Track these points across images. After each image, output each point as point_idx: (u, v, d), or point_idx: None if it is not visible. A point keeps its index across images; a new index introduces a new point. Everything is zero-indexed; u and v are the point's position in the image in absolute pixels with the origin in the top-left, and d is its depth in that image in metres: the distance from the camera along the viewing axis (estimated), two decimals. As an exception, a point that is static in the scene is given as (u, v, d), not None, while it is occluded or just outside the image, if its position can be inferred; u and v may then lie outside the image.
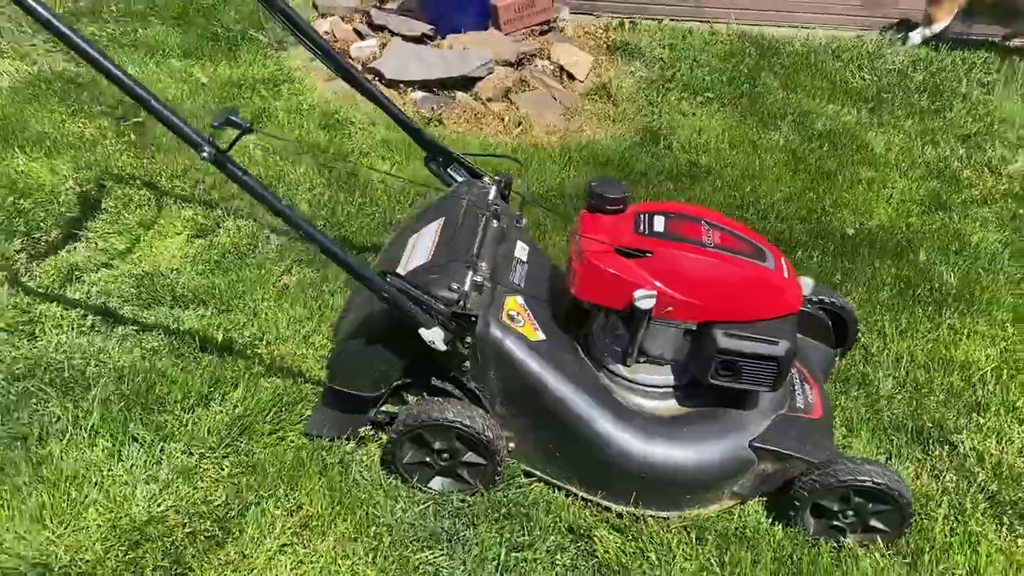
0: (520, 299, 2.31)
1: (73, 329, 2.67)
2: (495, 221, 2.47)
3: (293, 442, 2.37)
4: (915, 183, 3.87)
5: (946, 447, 2.53)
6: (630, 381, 2.34)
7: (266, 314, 2.79)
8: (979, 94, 4.72)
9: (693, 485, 2.25)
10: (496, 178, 2.64)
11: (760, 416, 2.29)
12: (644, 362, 2.34)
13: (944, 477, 2.44)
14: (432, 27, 4.59)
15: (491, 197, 2.56)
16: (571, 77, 4.49)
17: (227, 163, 1.99)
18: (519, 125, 4.06)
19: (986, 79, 4.86)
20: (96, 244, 3.07)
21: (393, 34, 4.53)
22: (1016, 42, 5.30)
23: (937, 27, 5.14)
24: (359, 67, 4.36)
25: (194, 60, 4.27)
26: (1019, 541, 2.28)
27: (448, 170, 2.68)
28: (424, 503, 2.24)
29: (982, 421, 2.62)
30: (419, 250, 2.39)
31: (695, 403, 2.34)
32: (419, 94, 4.17)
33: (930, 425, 2.58)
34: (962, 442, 2.53)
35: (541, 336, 2.26)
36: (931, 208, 3.69)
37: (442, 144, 2.67)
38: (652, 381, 2.34)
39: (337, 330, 2.45)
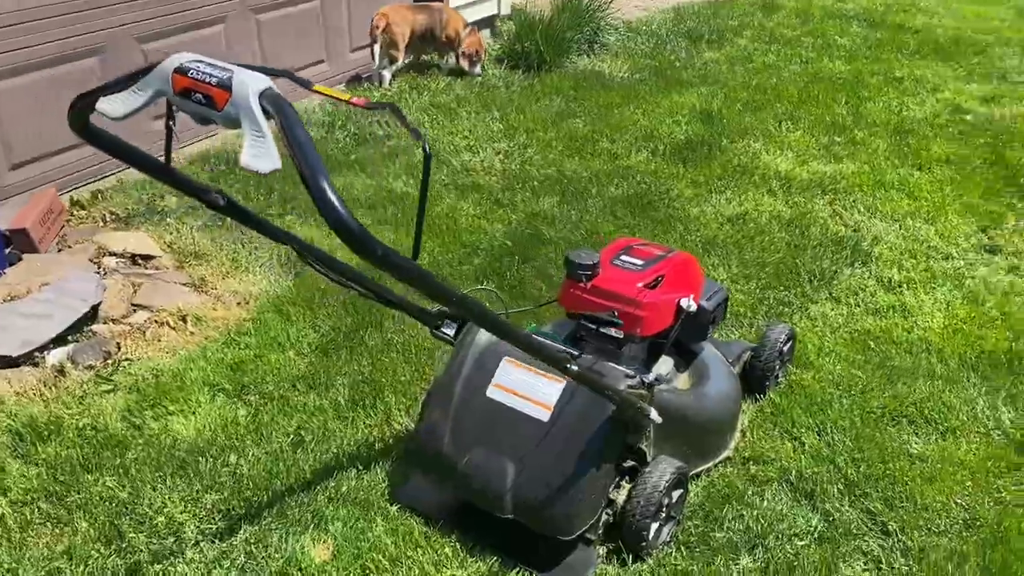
0: None
1: None
2: None
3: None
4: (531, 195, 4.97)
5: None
6: (661, 378, 3.06)
7: None
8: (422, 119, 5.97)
9: (738, 408, 3.15)
10: None
11: (710, 345, 3.28)
12: (654, 361, 3.08)
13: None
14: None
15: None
16: (146, 257, 4.11)
17: (575, 366, 2.07)
18: (185, 319, 3.70)
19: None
20: None
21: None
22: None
23: (399, 64, 6.61)
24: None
25: None
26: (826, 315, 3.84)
27: (443, 329, 2.76)
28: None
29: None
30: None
31: (686, 367, 3.19)
32: (57, 353, 3.39)
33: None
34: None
35: None
36: (560, 191, 4.86)
37: (432, 309, 2.74)
38: (667, 368, 3.09)
39: (517, 502, 2.47)
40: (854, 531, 2.74)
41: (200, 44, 5.39)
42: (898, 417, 3.25)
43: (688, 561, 2.61)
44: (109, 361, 3.40)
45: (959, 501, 2.86)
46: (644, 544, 2.60)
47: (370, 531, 2.65)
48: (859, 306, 4.00)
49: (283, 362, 3.46)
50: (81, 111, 1.58)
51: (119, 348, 3.45)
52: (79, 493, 2.76)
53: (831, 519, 2.78)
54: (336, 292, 3.91)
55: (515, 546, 2.61)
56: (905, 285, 4.17)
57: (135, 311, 3.74)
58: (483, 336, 2.71)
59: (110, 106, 1.49)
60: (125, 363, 3.41)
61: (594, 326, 2.88)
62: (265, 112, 1.37)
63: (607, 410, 2.47)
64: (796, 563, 2.60)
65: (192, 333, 3.66)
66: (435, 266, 4.19)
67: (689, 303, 2.88)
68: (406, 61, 6.84)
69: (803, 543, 2.68)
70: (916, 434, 3.17)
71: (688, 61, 7.68)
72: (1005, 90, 7.00)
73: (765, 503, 2.82)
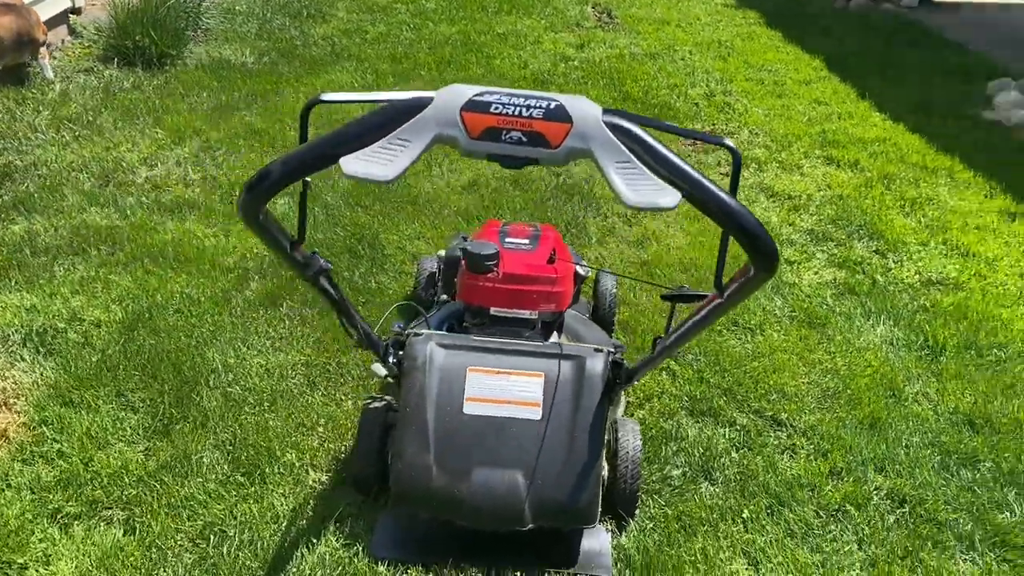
0: None
1: None
2: None
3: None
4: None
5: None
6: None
7: None
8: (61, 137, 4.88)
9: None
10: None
11: (564, 309, 3.43)
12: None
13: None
14: None
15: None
16: None
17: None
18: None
19: None
20: None
21: None
22: None
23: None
24: None
25: None
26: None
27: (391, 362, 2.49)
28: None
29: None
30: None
31: (560, 331, 3.28)
32: None
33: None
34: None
35: None
36: (287, 191, 4.34)
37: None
38: (556, 337, 3.17)
39: (537, 509, 2.35)
40: (759, 430, 3.13)
41: None
42: (717, 327, 3.72)
43: (670, 506, 2.76)
44: None
45: (805, 380, 3.41)
46: (637, 505, 2.68)
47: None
48: (621, 243, 4.41)
49: (120, 459, 2.78)
50: (260, 194, 1.13)
51: None
52: None
53: (738, 426, 3.14)
54: (123, 362, 3.22)
55: (520, 556, 2.53)
56: (638, 216, 4.69)
57: None
58: (439, 354, 2.50)
59: (368, 168, 1.10)
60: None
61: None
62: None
63: (597, 390, 2.48)
64: (748, 473, 2.91)
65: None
66: (219, 304, 3.64)
67: (586, 270, 2.97)
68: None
69: (738, 455, 2.99)
70: (738, 337, 3.68)
71: (306, 39, 7.42)
72: (587, 36, 7.99)
73: (690, 432, 3.07)
